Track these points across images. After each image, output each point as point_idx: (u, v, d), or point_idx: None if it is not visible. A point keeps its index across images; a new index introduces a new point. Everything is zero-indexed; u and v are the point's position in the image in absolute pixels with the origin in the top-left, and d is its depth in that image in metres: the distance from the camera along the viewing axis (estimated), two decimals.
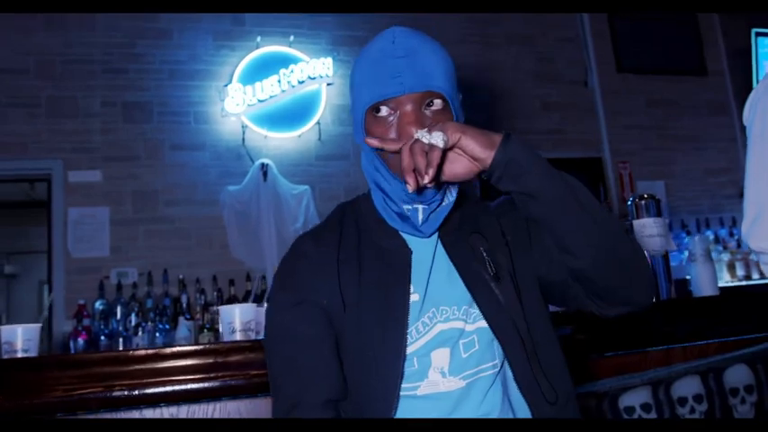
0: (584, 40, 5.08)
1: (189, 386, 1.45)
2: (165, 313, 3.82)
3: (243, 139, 4.28)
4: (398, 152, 1.01)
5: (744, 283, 4.18)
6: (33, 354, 1.72)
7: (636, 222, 2.19)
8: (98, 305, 3.85)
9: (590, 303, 1.10)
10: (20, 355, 1.72)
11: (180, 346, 1.51)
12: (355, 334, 1.08)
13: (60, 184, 4.05)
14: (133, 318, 3.78)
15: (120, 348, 3.70)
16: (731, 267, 4.28)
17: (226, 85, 4.24)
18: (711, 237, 4.53)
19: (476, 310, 1.10)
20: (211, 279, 4.04)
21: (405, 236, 1.14)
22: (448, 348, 1.09)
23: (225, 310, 1.66)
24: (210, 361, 1.48)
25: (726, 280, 4.29)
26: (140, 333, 3.70)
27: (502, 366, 1.11)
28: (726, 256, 4.32)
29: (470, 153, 0.98)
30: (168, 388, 1.43)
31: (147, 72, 4.26)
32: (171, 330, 3.74)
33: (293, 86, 4.30)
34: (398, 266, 1.11)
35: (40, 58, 4.10)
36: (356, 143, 1.14)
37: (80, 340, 3.70)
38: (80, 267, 4.00)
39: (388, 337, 1.06)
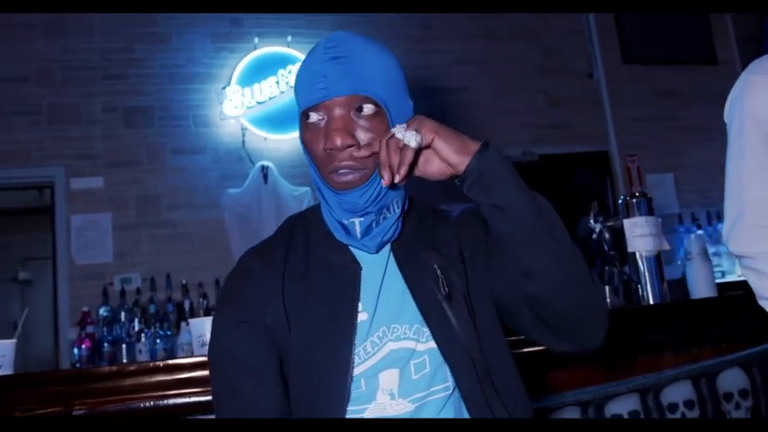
0: (589, 31, 4.97)
1: (151, 404, 1.42)
2: (167, 319, 3.82)
3: (243, 142, 4.26)
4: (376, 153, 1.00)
5: None
6: (8, 371, 1.70)
7: (627, 221, 2.12)
8: (102, 312, 3.85)
9: (539, 334, 1.06)
10: None
11: (143, 362, 1.48)
12: (300, 355, 1.04)
13: (63, 191, 4.07)
14: (136, 324, 3.78)
15: (124, 355, 3.70)
16: None
17: (224, 88, 4.22)
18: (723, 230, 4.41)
19: (428, 330, 1.06)
20: (214, 283, 4.02)
21: (355, 251, 1.09)
22: (397, 369, 1.04)
23: (195, 323, 1.63)
24: (175, 377, 1.44)
25: (738, 274, 4.18)
26: (143, 339, 3.70)
27: (455, 389, 1.06)
28: None
29: (442, 156, 0.97)
30: (130, 406, 1.41)
31: (147, 76, 4.26)
32: (173, 336, 3.73)
33: (292, 87, 4.26)
34: (346, 283, 1.06)
35: (39, 66, 4.11)
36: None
37: (83, 348, 3.72)
38: (84, 274, 4.02)
39: (334, 357, 1.02)
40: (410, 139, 0.94)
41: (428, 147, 0.97)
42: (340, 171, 1.01)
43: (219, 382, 1.06)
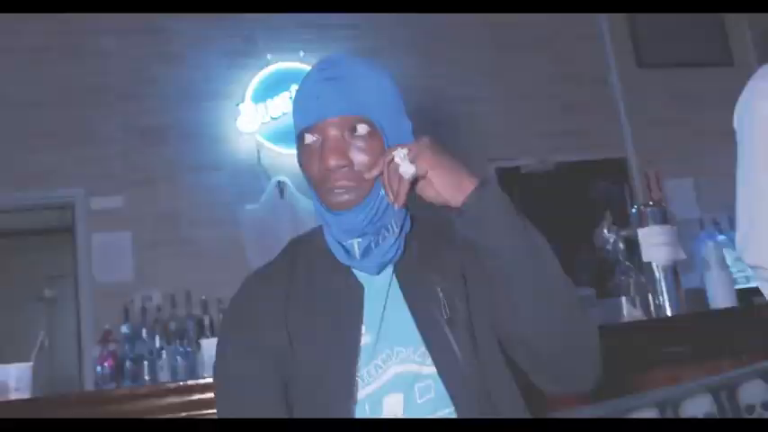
0: (601, 36, 4.93)
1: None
2: (187, 335, 3.84)
3: (258, 158, 4.28)
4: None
5: None
6: (25, 394, 1.73)
7: (641, 231, 2.10)
8: (123, 329, 3.88)
9: (533, 375, 1.06)
10: (12, 395, 1.73)
11: (155, 385, 1.49)
12: (303, 379, 1.04)
13: (83, 211, 4.11)
14: (157, 341, 3.81)
15: (146, 373, 3.73)
16: None
17: (238, 105, 4.26)
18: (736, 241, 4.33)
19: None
20: None
21: (357, 272, 1.09)
22: (401, 393, 1.03)
23: (207, 343, 1.64)
24: (185, 399, 1.45)
25: None
26: (164, 356, 3.73)
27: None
28: None
29: (435, 188, 0.98)
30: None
31: (163, 95, 4.30)
32: (194, 352, 3.74)
33: None
34: (349, 306, 1.06)
35: (57, 88, 4.17)
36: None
37: (106, 366, 3.75)
38: (106, 292, 4.05)
39: (337, 381, 1.02)
40: (406, 169, 0.97)
41: (423, 177, 0.98)
42: (335, 191, 1.02)
43: (223, 404, 1.07)
